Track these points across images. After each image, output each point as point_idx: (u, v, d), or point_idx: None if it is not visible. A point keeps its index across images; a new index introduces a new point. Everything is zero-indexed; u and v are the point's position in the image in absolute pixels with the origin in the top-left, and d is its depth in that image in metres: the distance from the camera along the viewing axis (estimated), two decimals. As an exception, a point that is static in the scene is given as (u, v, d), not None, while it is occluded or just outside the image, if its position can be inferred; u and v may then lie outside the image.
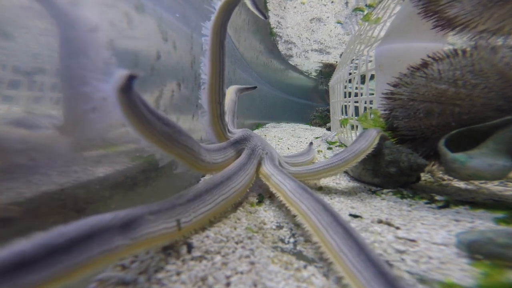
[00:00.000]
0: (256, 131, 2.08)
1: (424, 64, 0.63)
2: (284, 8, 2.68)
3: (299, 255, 0.35)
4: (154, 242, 0.31)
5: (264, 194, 0.57)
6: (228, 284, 0.28)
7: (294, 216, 0.40)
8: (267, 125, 2.87)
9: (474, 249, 0.34)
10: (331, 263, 0.31)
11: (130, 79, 0.27)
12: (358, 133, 1.11)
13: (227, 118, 0.69)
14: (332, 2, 2.45)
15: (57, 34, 0.35)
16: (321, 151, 1.18)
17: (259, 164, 0.55)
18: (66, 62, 0.36)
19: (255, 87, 0.92)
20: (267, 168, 0.54)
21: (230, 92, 0.81)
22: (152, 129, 0.33)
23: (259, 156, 0.56)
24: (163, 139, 0.35)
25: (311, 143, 0.94)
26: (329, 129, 2.35)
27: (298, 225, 0.43)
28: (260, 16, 0.63)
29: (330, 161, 0.58)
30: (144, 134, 0.32)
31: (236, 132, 0.63)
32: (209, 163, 0.46)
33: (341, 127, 1.37)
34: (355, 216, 0.47)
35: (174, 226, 0.33)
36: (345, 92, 1.42)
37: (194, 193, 0.39)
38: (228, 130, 0.62)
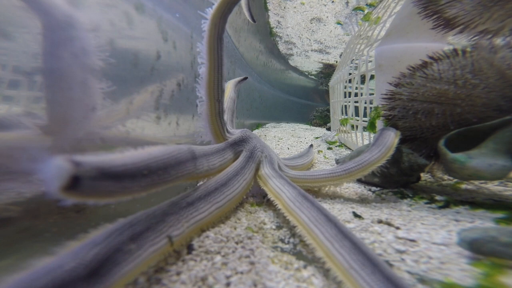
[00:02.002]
0: (256, 131, 2.08)
1: (424, 64, 0.63)
2: (284, 8, 2.68)
3: (299, 255, 0.35)
4: (138, 271, 0.26)
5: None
6: (228, 284, 0.28)
7: (294, 226, 0.37)
8: (267, 125, 2.87)
9: (476, 247, 0.33)
10: (340, 282, 0.28)
11: (76, 180, 0.20)
12: (358, 133, 1.11)
13: (226, 117, 0.67)
14: (333, 1, 2.45)
15: (40, 29, 0.33)
16: (321, 151, 1.18)
17: (257, 168, 0.53)
18: (49, 58, 0.34)
19: (246, 78, 0.90)
20: (265, 172, 0.51)
21: (229, 89, 0.79)
22: (128, 192, 0.26)
23: (257, 159, 0.54)
24: (147, 189, 0.29)
25: (311, 146, 0.94)
26: (329, 129, 2.36)
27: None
28: (249, 19, 0.63)
29: (333, 170, 0.55)
30: (120, 199, 0.26)
31: (235, 133, 0.60)
32: (207, 170, 0.43)
33: (341, 126, 1.37)
34: (359, 216, 0.47)
35: (164, 244, 0.29)
36: (345, 92, 1.42)
37: (187, 200, 0.36)
38: (227, 130, 0.59)
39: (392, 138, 0.57)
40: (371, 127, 0.83)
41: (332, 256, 0.29)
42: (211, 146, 0.49)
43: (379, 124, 0.78)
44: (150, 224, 0.29)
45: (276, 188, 0.46)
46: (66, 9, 0.35)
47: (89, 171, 0.22)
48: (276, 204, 0.43)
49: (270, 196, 0.46)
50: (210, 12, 0.49)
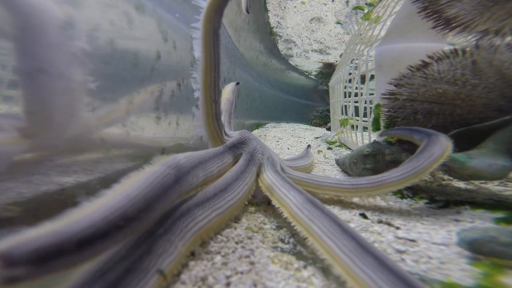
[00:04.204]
0: (256, 131, 2.08)
1: (424, 64, 0.63)
2: (284, 8, 2.68)
3: (299, 255, 0.35)
4: None
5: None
6: (228, 284, 0.28)
7: (305, 238, 0.34)
8: (267, 125, 2.87)
9: (475, 248, 0.34)
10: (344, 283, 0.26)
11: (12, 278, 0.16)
12: (358, 133, 1.11)
13: (223, 118, 0.63)
14: (333, 0, 2.45)
15: (12, 23, 0.31)
16: (321, 151, 1.18)
17: (258, 171, 0.50)
18: (26, 55, 0.31)
19: (238, 83, 0.88)
20: (268, 176, 0.47)
21: (227, 92, 0.77)
22: (100, 254, 0.21)
23: (258, 162, 0.50)
24: (126, 239, 0.23)
25: (308, 146, 0.94)
26: (329, 129, 2.35)
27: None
28: (243, 9, 0.61)
29: (340, 182, 0.51)
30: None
31: (233, 135, 0.56)
32: (204, 180, 0.39)
33: (341, 127, 1.37)
34: (364, 217, 0.47)
35: (153, 284, 0.24)
36: (345, 92, 1.42)
37: (181, 210, 0.32)
38: (225, 132, 0.56)
39: (434, 157, 0.47)
40: (375, 124, 0.79)
41: (354, 275, 0.26)
42: (209, 150, 0.46)
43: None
44: (131, 264, 0.23)
45: (281, 194, 0.42)
46: (45, 7, 0.33)
47: (29, 258, 0.17)
48: (282, 212, 0.40)
49: (275, 202, 0.43)
50: (204, 5, 0.46)
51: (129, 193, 0.24)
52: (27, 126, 0.32)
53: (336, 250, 0.29)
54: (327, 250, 0.30)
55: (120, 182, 0.26)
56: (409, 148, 0.67)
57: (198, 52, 0.48)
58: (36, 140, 0.33)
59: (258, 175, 0.50)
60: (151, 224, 0.29)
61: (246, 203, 0.45)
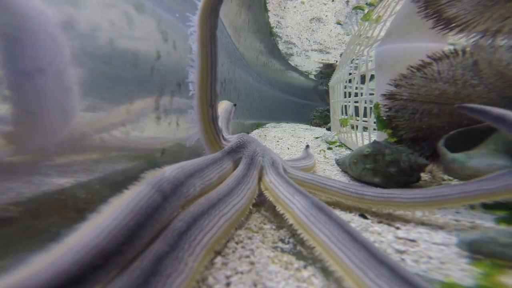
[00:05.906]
0: (256, 131, 2.08)
1: (424, 65, 0.63)
2: (284, 8, 2.68)
3: (299, 255, 0.35)
4: None
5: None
6: (228, 284, 0.28)
7: (313, 248, 0.32)
8: (267, 125, 2.87)
9: (475, 249, 0.34)
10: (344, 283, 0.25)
11: None
12: (358, 133, 1.11)
13: (220, 123, 0.59)
14: (333, 0, 2.46)
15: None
16: (323, 151, 1.18)
17: (260, 174, 0.48)
18: (10, 51, 0.29)
19: (235, 104, 0.85)
20: (270, 180, 0.45)
21: (225, 103, 0.76)
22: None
23: (259, 165, 0.49)
24: (113, 273, 0.21)
25: (307, 146, 0.92)
26: (329, 129, 2.36)
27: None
28: None
29: (345, 187, 0.48)
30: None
31: (231, 139, 0.54)
32: (203, 189, 0.37)
33: (341, 127, 1.37)
34: (364, 217, 0.47)
35: None
36: (345, 92, 1.42)
37: (187, 221, 0.29)
38: (223, 137, 0.54)
39: (476, 194, 0.41)
40: (381, 123, 0.74)
41: None
42: (206, 157, 0.44)
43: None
44: None
45: (285, 198, 0.40)
46: (32, 5, 0.31)
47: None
48: (287, 218, 0.38)
49: (279, 208, 0.40)
50: (199, 5, 0.44)
51: (107, 224, 0.21)
52: (15, 130, 0.31)
53: (346, 261, 0.27)
54: (337, 260, 0.28)
55: (98, 211, 0.23)
56: (411, 147, 0.67)
57: (194, 54, 0.46)
58: (23, 145, 0.32)
59: (260, 178, 0.48)
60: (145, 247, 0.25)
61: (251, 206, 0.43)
